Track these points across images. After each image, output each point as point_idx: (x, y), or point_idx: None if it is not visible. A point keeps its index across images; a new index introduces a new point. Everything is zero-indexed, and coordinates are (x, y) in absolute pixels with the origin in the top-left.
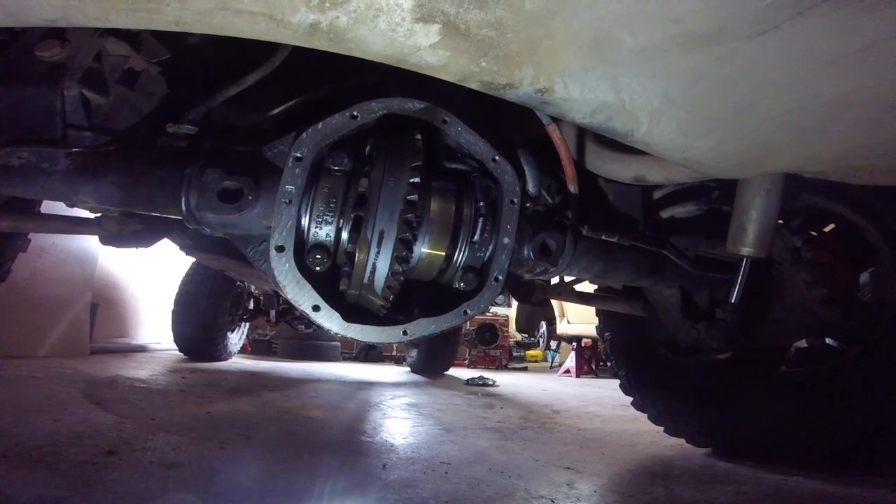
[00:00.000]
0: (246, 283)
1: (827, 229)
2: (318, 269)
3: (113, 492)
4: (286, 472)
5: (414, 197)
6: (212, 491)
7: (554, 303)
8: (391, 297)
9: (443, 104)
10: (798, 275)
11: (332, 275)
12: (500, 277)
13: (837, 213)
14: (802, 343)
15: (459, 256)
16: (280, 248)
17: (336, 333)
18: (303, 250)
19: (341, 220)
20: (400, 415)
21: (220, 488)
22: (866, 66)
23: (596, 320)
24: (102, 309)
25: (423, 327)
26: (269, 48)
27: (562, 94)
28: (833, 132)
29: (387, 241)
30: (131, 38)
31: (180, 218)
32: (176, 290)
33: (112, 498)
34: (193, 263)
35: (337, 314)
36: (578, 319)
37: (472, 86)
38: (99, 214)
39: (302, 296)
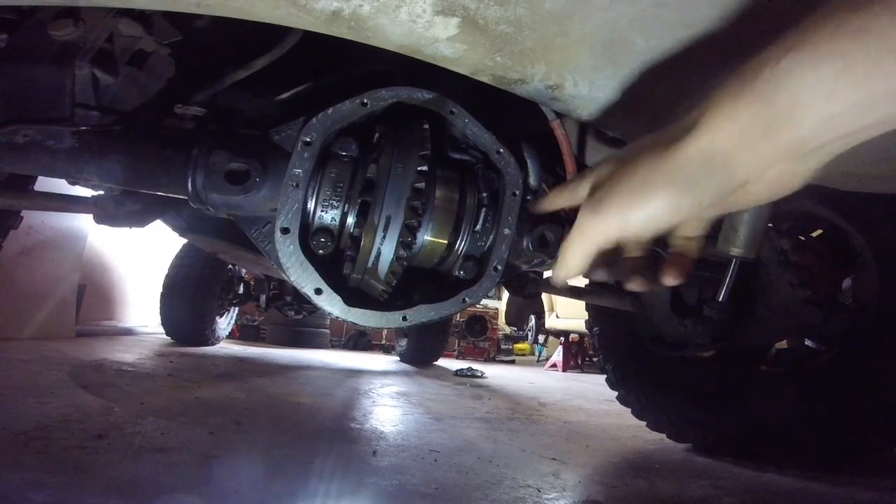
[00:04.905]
0: (236, 268)
1: (814, 234)
2: (321, 252)
3: (104, 476)
4: (277, 457)
5: (421, 184)
6: (202, 476)
7: (543, 297)
8: (393, 283)
9: (447, 95)
10: (784, 277)
11: (334, 259)
12: (500, 267)
13: (825, 219)
14: (783, 344)
15: (461, 245)
16: (285, 230)
17: (337, 317)
18: (307, 233)
19: (347, 205)
20: (389, 403)
21: (211, 473)
22: None
23: (584, 315)
24: (89, 290)
25: (423, 314)
26: (276, 34)
27: (571, 91)
28: None
29: (393, 226)
30: (144, 19)
31: (184, 198)
32: (165, 273)
33: (103, 482)
34: (183, 246)
35: (339, 298)
36: (567, 314)
37: (484, 79)
38: (96, 193)
39: (305, 278)
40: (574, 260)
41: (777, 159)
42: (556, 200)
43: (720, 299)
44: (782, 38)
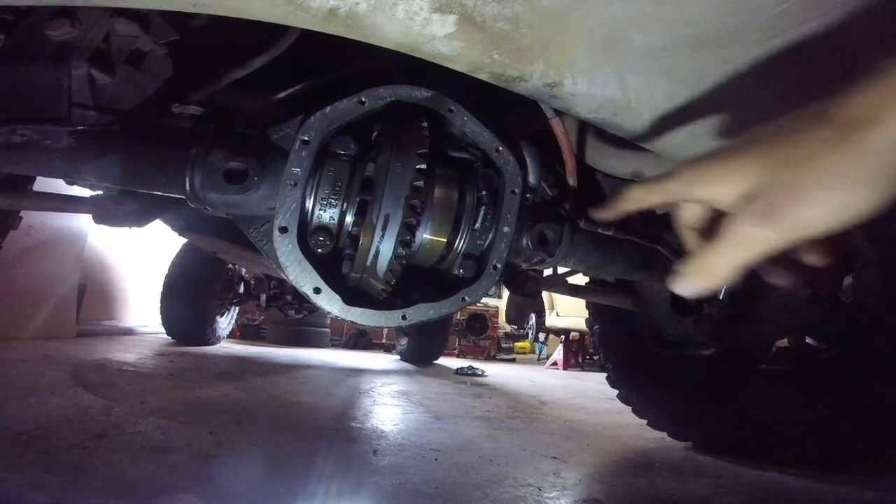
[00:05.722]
0: (237, 267)
1: None
2: (320, 251)
3: (104, 476)
4: (277, 456)
5: (420, 183)
6: (203, 475)
7: (543, 295)
8: (392, 282)
9: (446, 93)
10: None
11: (333, 258)
12: (499, 265)
13: None
14: (783, 342)
15: (460, 243)
16: (284, 230)
17: (336, 316)
18: (306, 232)
19: (346, 204)
20: (390, 402)
21: (212, 473)
22: None
23: (584, 314)
24: (90, 290)
25: (422, 313)
26: (274, 33)
27: (570, 88)
28: None
29: (392, 225)
30: (140, 18)
31: (182, 197)
32: (165, 272)
33: (104, 482)
34: (183, 246)
35: (338, 297)
36: (567, 312)
37: (483, 77)
38: (95, 193)
39: (304, 277)
40: (724, 272)
41: None
42: (648, 198)
43: (720, 297)
44: None
